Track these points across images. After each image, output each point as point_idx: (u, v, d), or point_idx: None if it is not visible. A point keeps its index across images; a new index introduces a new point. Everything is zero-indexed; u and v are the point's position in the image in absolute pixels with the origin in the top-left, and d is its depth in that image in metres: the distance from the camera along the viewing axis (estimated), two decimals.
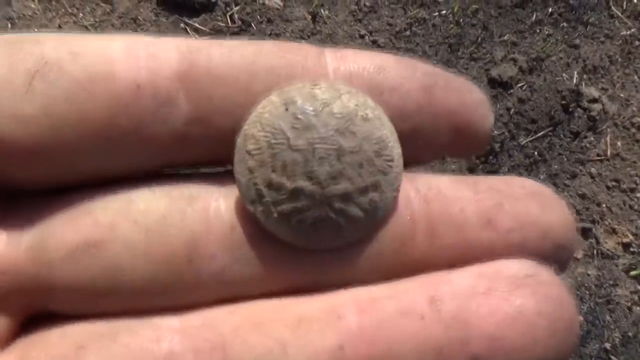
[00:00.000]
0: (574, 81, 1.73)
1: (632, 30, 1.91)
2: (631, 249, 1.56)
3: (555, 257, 0.21)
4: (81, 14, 1.44)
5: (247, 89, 0.18)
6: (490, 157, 1.58)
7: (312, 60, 0.20)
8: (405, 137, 0.20)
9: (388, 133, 0.19)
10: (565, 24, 1.83)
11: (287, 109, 0.18)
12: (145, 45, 0.18)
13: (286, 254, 0.18)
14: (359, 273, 0.19)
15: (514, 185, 0.21)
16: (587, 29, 1.85)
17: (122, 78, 0.17)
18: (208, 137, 0.19)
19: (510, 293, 0.19)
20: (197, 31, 1.50)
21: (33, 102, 0.17)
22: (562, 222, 0.21)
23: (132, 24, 1.46)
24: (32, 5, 1.39)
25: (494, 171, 1.57)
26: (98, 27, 1.43)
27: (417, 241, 0.19)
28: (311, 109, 0.18)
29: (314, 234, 0.18)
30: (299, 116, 0.18)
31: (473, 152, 0.23)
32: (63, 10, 1.43)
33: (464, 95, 0.21)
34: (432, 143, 0.21)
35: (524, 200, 0.21)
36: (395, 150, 0.19)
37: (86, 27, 1.42)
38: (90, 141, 0.17)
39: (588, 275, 1.49)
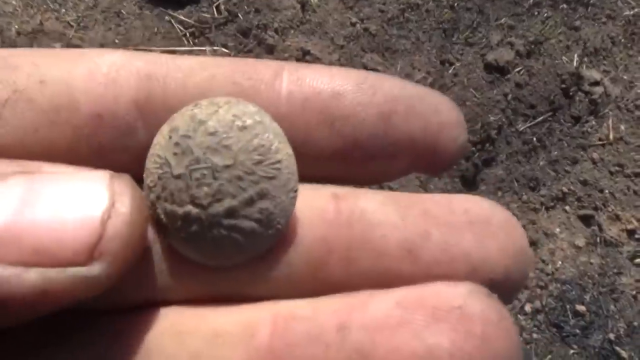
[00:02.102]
0: (574, 64, 1.67)
1: (636, 10, 1.85)
2: (636, 236, 1.51)
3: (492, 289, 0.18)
4: (63, 10, 1.42)
5: None
6: (487, 144, 1.53)
7: (266, 85, 0.19)
8: (360, 163, 0.20)
9: (271, 136, 0.18)
10: (564, 5, 1.78)
11: (170, 137, 0.18)
12: (107, 71, 0.19)
13: (198, 270, 0.18)
14: (276, 290, 0.18)
15: (455, 209, 0.19)
16: (588, 10, 1.79)
17: (84, 108, 0.18)
18: None
19: (426, 328, 0.16)
20: (182, 24, 1.47)
21: (5, 131, 0.18)
22: (502, 255, 0.19)
23: (115, 18, 1.44)
24: (13, 2, 1.37)
25: (491, 159, 1.53)
26: (81, 22, 1.41)
27: (332, 266, 0.18)
28: (187, 131, 0.18)
29: (218, 253, 0.18)
30: (178, 142, 0.18)
31: (440, 172, 0.21)
32: (45, 6, 1.40)
33: (428, 120, 0.20)
34: (390, 168, 0.21)
35: (459, 228, 0.19)
36: (283, 152, 0.18)
37: (68, 22, 1.40)
38: None
39: (591, 263, 1.45)
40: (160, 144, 0.18)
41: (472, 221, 0.19)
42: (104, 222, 0.15)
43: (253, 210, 0.18)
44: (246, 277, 0.18)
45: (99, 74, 0.19)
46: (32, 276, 0.14)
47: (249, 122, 0.18)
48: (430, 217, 0.18)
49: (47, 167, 0.17)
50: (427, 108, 0.20)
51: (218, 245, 0.18)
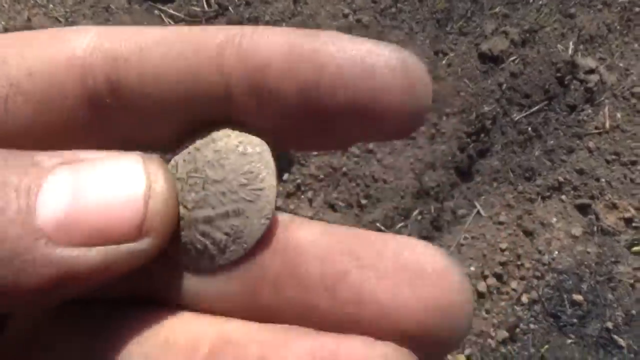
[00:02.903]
0: (570, 52, 1.66)
1: None
2: (633, 224, 1.50)
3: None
4: (51, 5, 1.40)
5: None
6: (482, 135, 1.52)
7: (210, 60, 0.19)
8: (296, 139, 0.20)
9: (262, 167, 0.20)
10: None
11: (188, 147, 0.21)
12: (83, 54, 0.19)
13: (166, 271, 0.20)
14: (221, 305, 0.19)
15: (385, 253, 0.18)
16: None
17: (71, 95, 0.19)
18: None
19: None
20: (172, 18, 1.46)
21: (12, 124, 0.19)
22: (419, 307, 0.17)
23: (104, 13, 1.42)
24: None
25: (485, 150, 1.51)
26: (69, 17, 1.39)
27: (265, 291, 0.19)
28: (200, 146, 0.20)
29: (188, 253, 0.20)
30: (190, 152, 0.20)
31: (399, 137, 0.20)
32: (32, 2, 1.39)
33: (358, 87, 0.18)
34: (330, 140, 0.20)
35: (379, 273, 0.18)
36: (267, 182, 0.20)
37: (56, 18, 1.38)
38: None
39: (588, 253, 1.44)
40: (183, 151, 0.21)
41: (397, 267, 0.18)
42: (146, 202, 0.17)
43: (226, 224, 0.20)
44: (194, 285, 0.19)
45: (76, 59, 0.19)
46: (95, 254, 0.16)
47: (250, 150, 0.20)
48: (355, 258, 0.18)
49: (81, 154, 0.18)
50: (359, 73, 0.18)
51: (190, 244, 0.20)
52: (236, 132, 0.21)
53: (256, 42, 0.19)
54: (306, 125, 0.19)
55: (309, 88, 0.18)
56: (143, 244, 0.17)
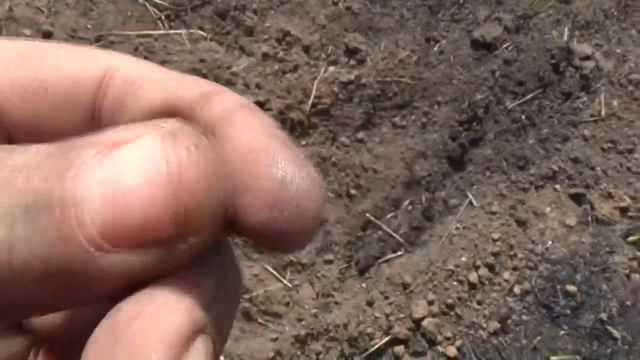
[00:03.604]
0: (565, 38, 1.62)
1: None
2: (629, 214, 1.47)
3: None
4: None
5: None
6: (474, 124, 1.49)
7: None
8: None
9: None
10: None
11: None
12: (103, 74, 0.22)
13: None
14: None
15: None
16: None
17: (85, 100, 0.21)
18: None
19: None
20: (156, 6, 1.43)
21: (30, 113, 0.21)
22: None
23: (87, 2, 1.40)
24: None
25: (478, 138, 1.48)
26: (52, 7, 1.37)
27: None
28: None
29: None
30: None
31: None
32: None
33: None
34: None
35: None
36: None
37: (39, 8, 1.36)
38: None
39: (582, 243, 1.41)
40: None
41: None
42: (177, 196, 0.16)
43: None
44: None
45: (99, 76, 0.22)
46: (142, 256, 0.16)
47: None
48: None
49: (112, 134, 0.17)
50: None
51: None
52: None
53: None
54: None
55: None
56: (186, 241, 0.16)
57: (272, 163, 0.18)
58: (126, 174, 0.16)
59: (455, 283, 1.27)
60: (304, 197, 0.18)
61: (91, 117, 0.21)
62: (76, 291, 0.16)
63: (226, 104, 0.19)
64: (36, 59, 0.21)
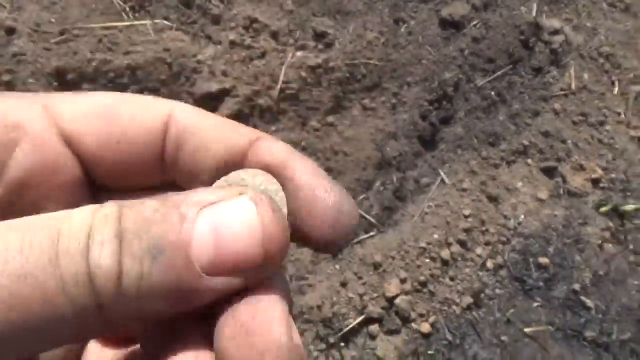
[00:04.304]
0: (533, 14, 1.62)
1: None
2: (601, 185, 1.48)
3: None
4: None
5: None
6: (445, 102, 1.49)
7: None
8: None
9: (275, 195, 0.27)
10: None
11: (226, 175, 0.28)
12: (167, 123, 0.28)
13: None
14: None
15: None
16: None
17: (155, 144, 0.28)
18: None
19: None
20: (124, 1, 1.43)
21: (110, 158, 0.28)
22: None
23: None
24: None
25: (449, 117, 1.49)
26: (14, 2, 1.36)
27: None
28: (236, 176, 0.27)
29: None
30: (227, 178, 0.27)
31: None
32: None
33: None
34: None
35: None
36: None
37: (1, 4, 1.35)
38: None
39: (555, 216, 1.42)
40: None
41: None
42: (263, 238, 0.23)
43: None
44: None
45: (164, 123, 0.28)
46: (237, 281, 0.23)
47: (268, 187, 0.26)
48: None
49: (208, 195, 0.24)
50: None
51: None
52: (259, 171, 0.28)
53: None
54: None
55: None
56: (267, 267, 0.23)
57: (329, 197, 0.26)
58: (229, 225, 0.22)
59: (427, 260, 1.28)
60: (351, 217, 0.26)
61: (160, 157, 0.27)
62: (188, 303, 0.22)
63: (273, 150, 0.27)
64: (116, 117, 0.27)
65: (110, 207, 0.22)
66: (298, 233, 0.26)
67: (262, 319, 0.22)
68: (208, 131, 0.27)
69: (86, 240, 0.20)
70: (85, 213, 0.21)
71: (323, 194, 0.26)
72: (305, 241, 0.27)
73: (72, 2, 1.40)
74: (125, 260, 0.21)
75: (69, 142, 0.26)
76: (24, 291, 0.19)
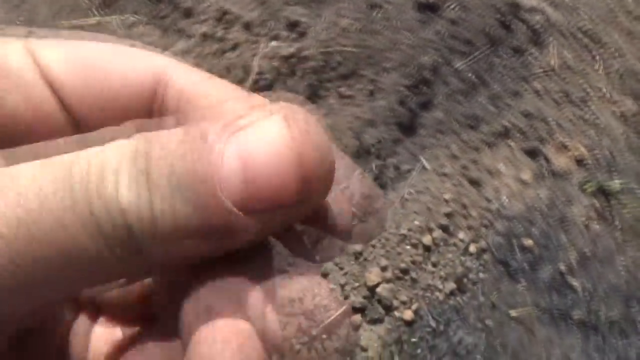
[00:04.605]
0: None
1: None
2: (585, 164, 1.45)
3: None
4: None
5: None
6: (423, 87, 1.47)
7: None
8: None
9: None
10: None
11: None
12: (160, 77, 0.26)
13: None
14: None
15: None
16: None
17: (145, 89, 0.26)
18: None
19: None
20: None
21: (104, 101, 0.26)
22: None
23: None
24: None
25: (428, 102, 1.47)
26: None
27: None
28: None
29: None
30: None
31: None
32: None
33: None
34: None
35: None
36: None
37: None
38: None
39: (539, 197, 1.40)
40: None
41: None
42: (299, 171, 0.20)
43: None
44: None
45: (155, 80, 0.27)
46: (267, 218, 0.20)
47: None
48: None
49: (239, 120, 0.21)
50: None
51: None
52: None
53: None
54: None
55: None
56: (307, 200, 0.20)
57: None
58: (257, 153, 0.19)
59: (408, 247, 1.27)
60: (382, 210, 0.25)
61: (149, 110, 0.26)
62: (219, 242, 0.20)
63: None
64: (103, 68, 0.25)
65: (135, 143, 0.20)
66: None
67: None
68: (202, 99, 0.25)
69: (115, 181, 0.19)
70: (111, 150, 0.20)
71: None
72: (326, 229, 0.25)
73: (39, 2, 1.38)
74: (155, 202, 0.19)
75: (53, 87, 0.25)
76: (59, 235, 0.18)
